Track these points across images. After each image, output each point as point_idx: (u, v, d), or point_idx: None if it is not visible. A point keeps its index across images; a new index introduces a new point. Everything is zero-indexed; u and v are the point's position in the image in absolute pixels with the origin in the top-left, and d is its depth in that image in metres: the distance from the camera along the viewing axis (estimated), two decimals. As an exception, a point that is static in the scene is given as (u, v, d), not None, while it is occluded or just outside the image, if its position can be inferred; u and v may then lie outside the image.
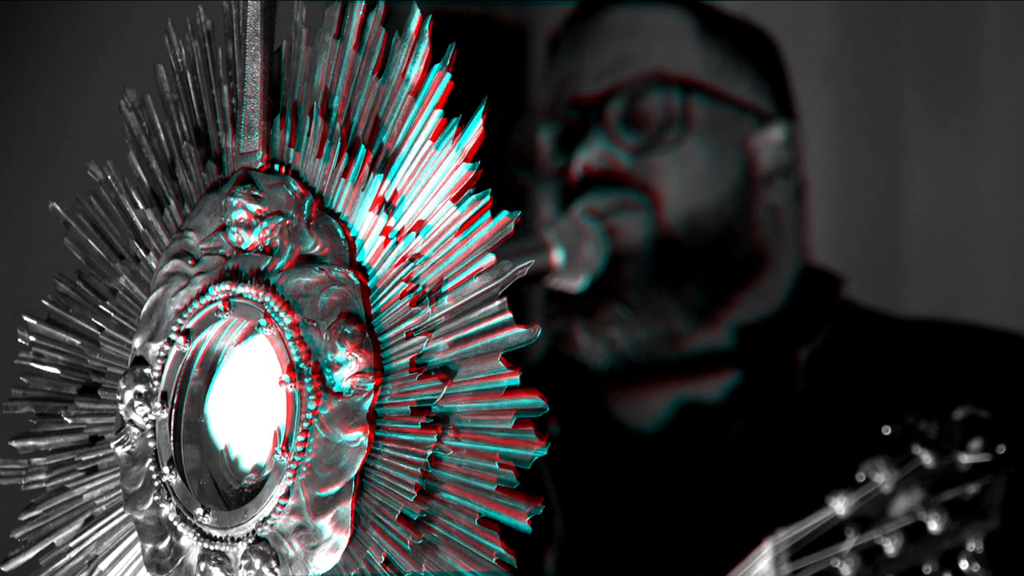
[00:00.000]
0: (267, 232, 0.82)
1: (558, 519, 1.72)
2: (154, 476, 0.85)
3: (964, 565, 1.35)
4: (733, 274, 1.71)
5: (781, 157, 1.74)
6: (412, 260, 0.79)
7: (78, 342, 0.93)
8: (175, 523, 0.83)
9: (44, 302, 0.94)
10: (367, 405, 0.78)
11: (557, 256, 1.56)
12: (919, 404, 1.40)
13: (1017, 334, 1.74)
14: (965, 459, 1.36)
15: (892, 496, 1.36)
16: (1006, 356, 1.69)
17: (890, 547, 1.36)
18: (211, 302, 0.83)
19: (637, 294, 1.68)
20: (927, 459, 1.36)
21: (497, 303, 0.77)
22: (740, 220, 1.71)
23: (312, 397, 0.79)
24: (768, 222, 1.73)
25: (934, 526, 1.35)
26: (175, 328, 0.84)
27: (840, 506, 1.37)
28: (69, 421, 0.92)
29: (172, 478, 0.84)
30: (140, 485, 0.85)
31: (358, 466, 0.78)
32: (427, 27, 0.80)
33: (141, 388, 0.85)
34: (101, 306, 0.92)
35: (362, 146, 0.81)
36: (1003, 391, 1.62)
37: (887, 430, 1.38)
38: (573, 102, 1.71)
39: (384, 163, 0.81)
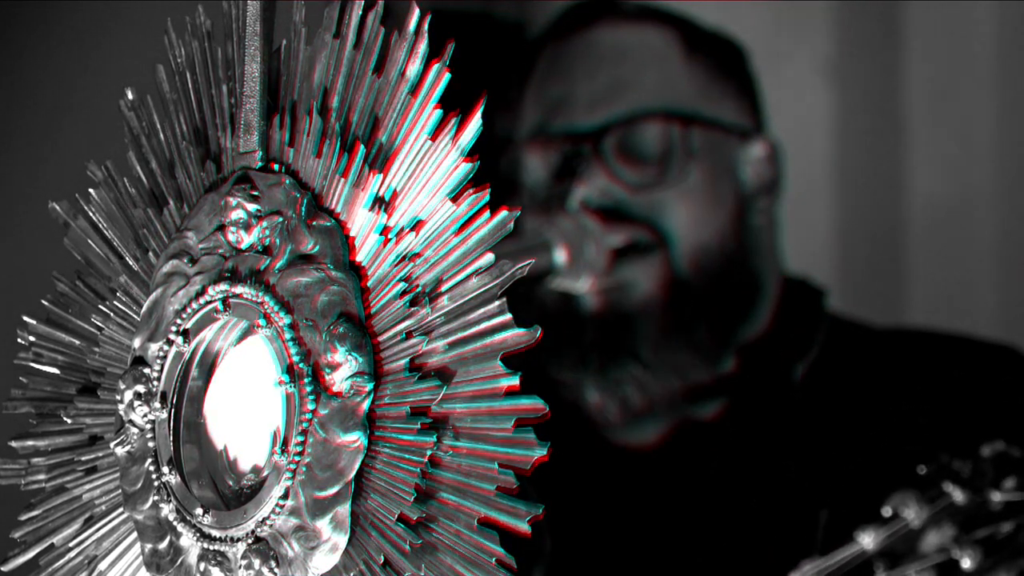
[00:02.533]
0: (265, 232, 0.82)
1: (546, 536, 1.70)
2: (153, 476, 0.85)
3: None
4: (735, 308, 1.70)
5: (764, 174, 1.72)
6: (410, 259, 0.79)
7: (78, 342, 0.93)
8: (175, 523, 0.83)
9: (44, 302, 0.94)
10: (366, 406, 0.78)
11: (559, 255, 1.55)
12: (951, 443, 1.39)
13: (996, 343, 1.73)
14: (998, 497, 1.35)
15: (922, 532, 1.35)
16: (984, 365, 1.69)
17: None
18: (209, 302, 0.83)
19: (650, 350, 1.65)
20: (958, 496, 1.35)
21: (496, 303, 0.77)
22: (737, 249, 1.69)
23: (311, 398, 0.79)
24: (756, 245, 1.72)
25: (967, 563, 1.34)
26: (174, 328, 0.84)
27: (868, 541, 1.36)
28: (69, 421, 0.92)
29: (171, 478, 0.84)
30: (140, 485, 0.85)
31: (356, 468, 0.78)
32: (426, 25, 0.79)
33: (140, 388, 0.85)
34: (101, 306, 0.92)
35: (361, 145, 0.81)
36: (974, 404, 1.62)
37: (922, 470, 1.37)
38: (567, 135, 1.69)
39: (382, 162, 0.80)
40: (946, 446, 1.38)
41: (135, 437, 0.86)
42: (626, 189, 1.65)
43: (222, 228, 0.84)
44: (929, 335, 1.77)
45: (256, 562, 0.80)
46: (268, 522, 0.79)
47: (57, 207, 0.94)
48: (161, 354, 0.85)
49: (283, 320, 0.80)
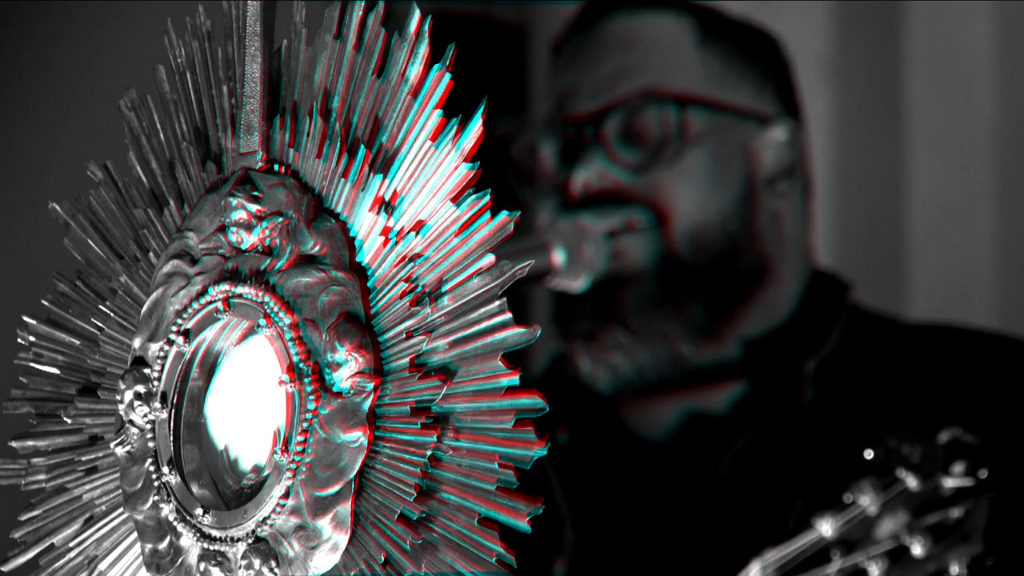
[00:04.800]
0: (266, 232, 0.82)
1: (568, 529, 1.71)
2: (154, 476, 0.85)
3: None
4: (736, 289, 1.70)
5: (784, 157, 1.72)
6: (412, 260, 0.79)
7: (78, 342, 0.93)
8: (175, 523, 0.83)
9: (44, 302, 0.94)
10: (367, 405, 0.78)
11: (558, 256, 1.56)
12: (902, 427, 1.40)
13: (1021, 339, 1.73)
14: (948, 483, 1.36)
15: (878, 518, 1.36)
16: (1011, 361, 1.69)
17: (874, 570, 1.35)
18: (210, 302, 0.83)
19: (639, 318, 1.66)
20: (912, 482, 1.36)
21: (497, 303, 0.77)
22: (743, 231, 1.69)
23: (312, 397, 0.79)
24: (770, 229, 1.71)
25: (918, 550, 1.35)
26: (175, 328, 0.84)
27: (826, 528, 1.37)
28: (69, 421, 0.92)
29: (172, 478, 0.84)
30: (140, 485, 0.85)
31: (357, 466, 0.78)
32: (427, 27, 0.80)
33: (141, 388, 0.85)
34: (101, 306, 0.92)
35: (362, 146, 0.81)
36: (998, 402, 1.62)
37: (869, 454, 1.38)
38: (569, 119, 1.70)
39: (384, 163, 0.81)
40: (896, 430, 1.39)
41: (135, 437, 0.86)
42: (625, 170, 1.66)
43: (223, 228, 0.84)
44: (957, 331, 1.76)
45: (256, 562, 0.80)
46: (269, 521, 0.80)
47: (57, 207, 0.94)
48: (162, 354, 0.85)
49: (285, 320, 0.80)
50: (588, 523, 1.71)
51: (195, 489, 0.84)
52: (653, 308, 1.66)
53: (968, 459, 1.36)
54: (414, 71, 0.80)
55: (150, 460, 0.85)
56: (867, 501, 1.36)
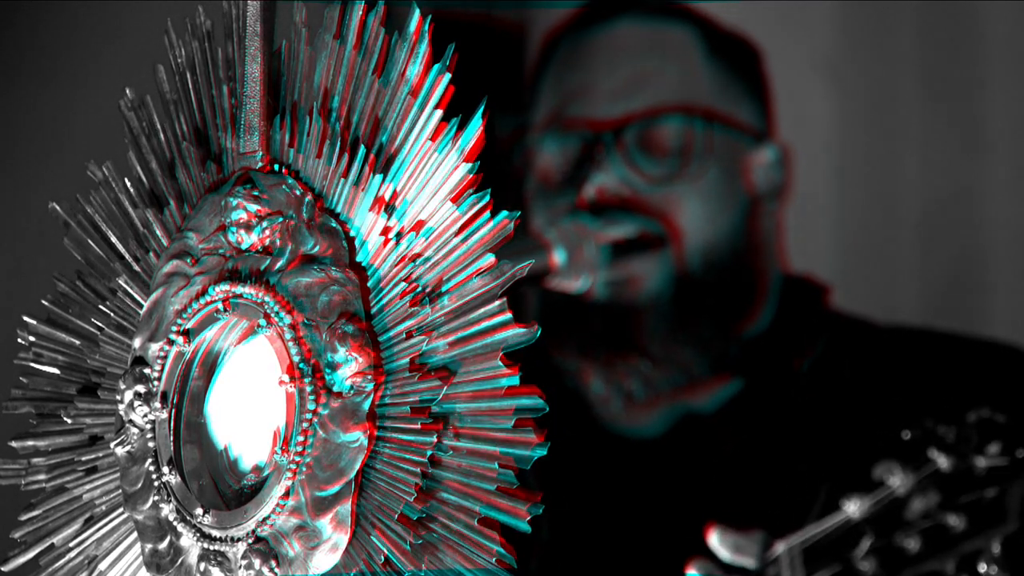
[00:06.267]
0: (267, 232, 0.83)
1: (543, 522, 1.71)
2: (154, 476, 0.85)
3: (982, 568, 1.34)
4: (741, 306, 1.71)
5: (774, 178, 1.74)
6: (412, 260, 0.80)
7: (78, 342, 0.93)
8: (175, 523, 0.84)
9: (44, 302, 0.95)
10: (367, 405, 0.78)
11: (557, 256, 1.56)
12: (935, 409, 1.40)
13: (1000, 342, 1.74)
14: (982, 462, 1.36)
15: (908, 499, 1.36)
16: (984, 364, 1.69)
17: (908, 549, 1.35)
18: (211, 302, 0.83)
19: (659, 346, 1.67)
20: (943, 462, 1.36)
21: (497, 303, 0.77)
22: (747, 248, 1.70)
23: (312, 397, 0.79)
24: (768, 245, 1.73)
25: (952, 528, 1.34)
26: (175, 328, 0.85)
27: (854, 508, 1.36)
28: (69, 421, 0.92)
29: (172, 478, 0.84)
30: (140, 485, 0.85)
31: (358, 466, 0.78)
32: (427, 28, 0.80)
33: (141, 388, 0.85)
34: (101, 306, 0.92)
35: (362, 146, 0.81)
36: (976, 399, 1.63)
37: (907, 435, 1.37)
38: (587, 124, 1.70)
39: (384, 163, 0.81)
40: (931, 412, 1.39)
41: (135, 437, 0.86)
42: (645, 180, 1.66)
43: (224, 229, 0.84)
44: (936, 335, 1.77)
45: (256, 562, 0.80)
46: (269, 521, 0.80)
47: (57, 207, 0.94)
48: (162, 354, 0.85)
49: (284, 320, 0.80)
50: (565, 518, 1.71)
51: (195, 489, 0.84)
52: (671, 334, 1.66)
53: (1003, 439, 1.36)
54: (414, 71, 0.80)
55: (150, 460, 0.85)
56: (897, 482, 1.35)
